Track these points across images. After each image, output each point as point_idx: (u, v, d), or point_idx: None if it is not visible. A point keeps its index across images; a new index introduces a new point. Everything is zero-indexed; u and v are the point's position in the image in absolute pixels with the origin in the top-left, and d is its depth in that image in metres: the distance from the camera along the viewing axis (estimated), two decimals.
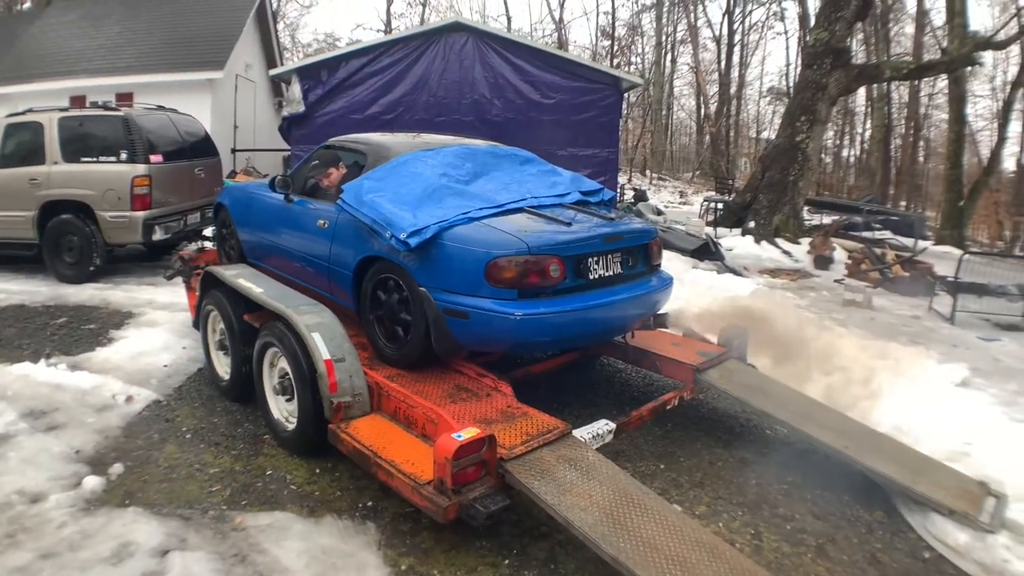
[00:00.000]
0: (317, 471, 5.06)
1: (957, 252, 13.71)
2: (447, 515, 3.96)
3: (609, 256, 5.52)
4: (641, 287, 5.79)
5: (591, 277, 5.35)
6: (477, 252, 4.97)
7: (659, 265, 6.20)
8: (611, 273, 5.52)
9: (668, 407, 5.85)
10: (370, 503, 4.67)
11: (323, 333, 5.02)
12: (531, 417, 4.85)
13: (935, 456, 5.56)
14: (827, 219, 21.45)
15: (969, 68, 23.97)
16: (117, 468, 4.97)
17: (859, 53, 37.38)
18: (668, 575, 3.59)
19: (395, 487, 4.31)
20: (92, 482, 4.74)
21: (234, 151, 18.95)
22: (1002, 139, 27.08)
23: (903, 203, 38.08)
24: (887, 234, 20.58)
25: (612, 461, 4.50)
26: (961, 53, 19.58)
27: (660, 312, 6.31)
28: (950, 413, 6.62)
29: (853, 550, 4.61)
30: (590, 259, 5.34)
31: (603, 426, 5.08)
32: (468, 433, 4.07)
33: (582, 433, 4.85)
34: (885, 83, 31.10)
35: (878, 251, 15.38)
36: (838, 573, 4.34)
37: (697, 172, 35.56)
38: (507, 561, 4.16)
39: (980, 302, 11.64)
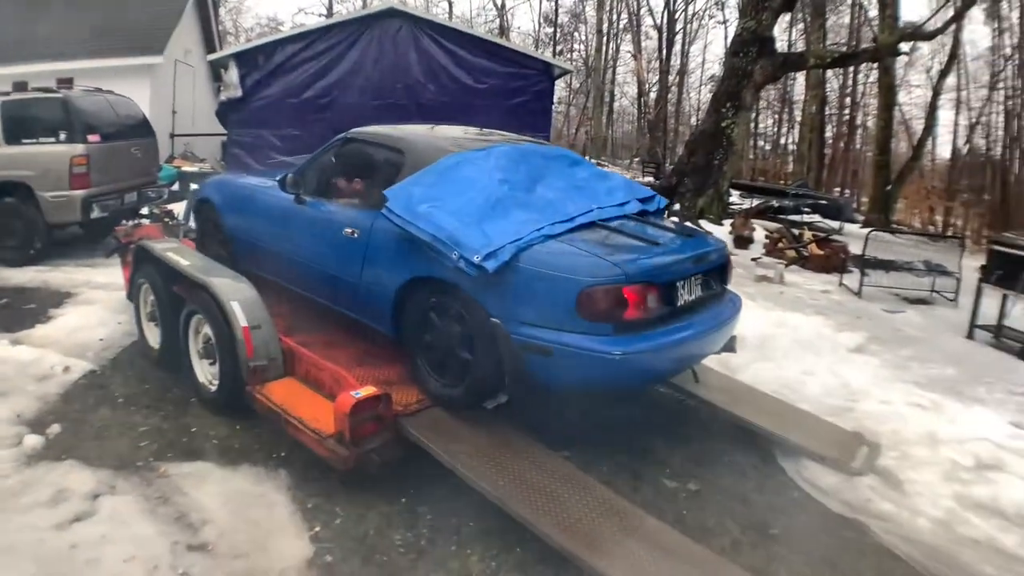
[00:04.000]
0: (238, 427, 5.48)
1: (887, 235, 14.33)
2: (346, 464, 4.47)
3: (693, 279, 5.04)
4: (722, 310, 5.40)
5: (678, 304, 4.87)
6: (565, 279, 4.43)
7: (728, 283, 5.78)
8: (694, 297, 5.05)
9: None
10: (284, 453, 5.12)
11: (242, 302, 5.36)
12: None
13: (818, 412, 6.11)
14: (756, 203, 22.12)
15: (901, 57, 24.72)
16: (55, 428, 5.34)
17: (798, 43, 38.15)
18: (538, 507, 4.13)
19: (303, 440, 4.77)
20: (32, 440, 5.12)
21: (172, 136, 19.06)
22: (929, 127, 27.88)
23: (838, 189, 38.83)
24: (816, 217, 21.23)
25: (503, 418, 4.98)
26: (886, 43, 20.18)
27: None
28: (839, 374, 7.21)
29: (725, 491, 5.11)
30: (678, 283, 4.87)
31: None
32: (365, 391, 4.55)
33: None
34: (818, 71, 31.81)
35: (796, 231, 16.01)
36: (708, 509, 4.83)
37: (636, 159, 36.10)
38: (403, 499, 4.66)
39: (888, 277, 12.28)
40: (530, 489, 4.29)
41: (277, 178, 6.46)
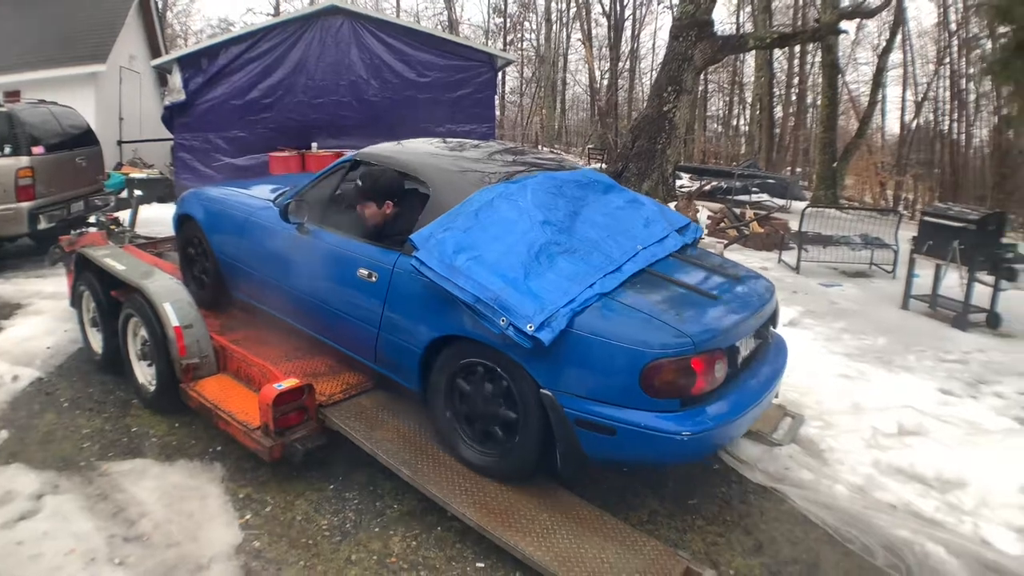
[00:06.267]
0: (176, 425, 5.63)
1: (827, 211, 14.65)
2: (272, 454, 4.62)
3: (752, 332, 4.61)
4: (776, 358, 5.01)
5: (738, 362, 4.44)
6: (628, 350, 3.90)
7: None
8: (748, 352, 4.62)
9: None
10: (219, 448, 5.29)
11: (173, 303, 5.47)
12: (355, 371, 5.42)
13: None
14: (708, 186, 22.42)
15: (849, 35, 25.02)
16: (3, 434, 5.47)
17: (746, 26, 38.54)
18: (455, 487, 4.35)
19: (232, 433, 4.94)
20: None
21: (120, 143, 19.01)
22: (873, 103, 28.24)
23: (789, 168, 39.25)
24: (764, 197, 21.58)
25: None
26: (827, 22, 20.47)
27: None
28: None
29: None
30: (739, 342, 4.40)
31: None
32: (288, 383, 4.70)
33: None
34: (765, 52, 32.21)
35: (737, 211, 16.29)
36: (628, 484, 4.99)
37: (590, 146, 36.24)
38: (332, 486, 4.84)
39: (827, 252, 12.62)
40: (450, 471, 4.50)
41: (272, 199, 6.10)
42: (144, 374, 5.95)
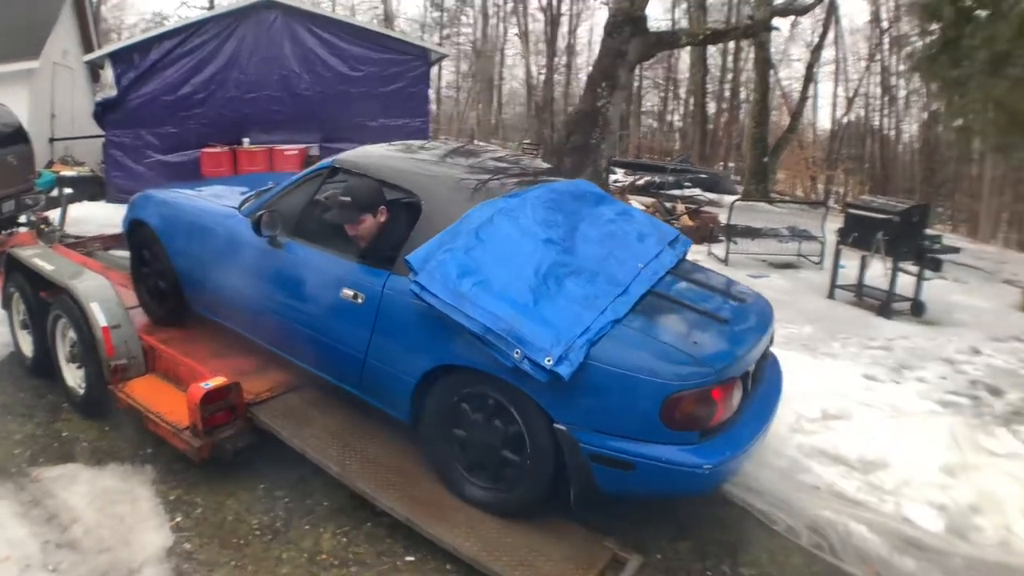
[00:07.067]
0: (107, 428, 5.61)
1: (756, 204, 14.93)
2: (201, 454, 4.63)
3: (759, 355, 4.49)
4: (774, 376, 4.97)
5: (748, 386, 4.31)
6: (648, 382, 3.70)
7: None
8: (753, 371, 4.41)
9: None
10: (150, 450, 5.27)
11: (101, 303, 5.41)
12: (283, 369, 5.38)
13: None
14: (641, 180, 22.70)
15: (783, 31, 25.32)
16: None
17: (682, 22, 38.85)
18: (382, 482, 4.42)
19: (161, 435, 4.94)
20: None
21: (52, 140, 18.48)
22: (804, 99, 28.68)
23: (722, 162, 39.75)
24: (696, 191, 21.92)
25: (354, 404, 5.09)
26: (760, 19, 20.71)
27: None
28: None
29: None
30: (751, 367, 4.30)
31: None
32: (215, 382, 4.69)
33: None
34: (699, 48, 32.61)
35: (669, 205, 16.53)
36: None
37: (527, 142, 36.27)
38: (262, 485, 4.87)
39: (756, 244, 12.91)
40: (377, 466, 4.55)
41: (240, 208, 5.58)
42: (73, 377, 5.90)
